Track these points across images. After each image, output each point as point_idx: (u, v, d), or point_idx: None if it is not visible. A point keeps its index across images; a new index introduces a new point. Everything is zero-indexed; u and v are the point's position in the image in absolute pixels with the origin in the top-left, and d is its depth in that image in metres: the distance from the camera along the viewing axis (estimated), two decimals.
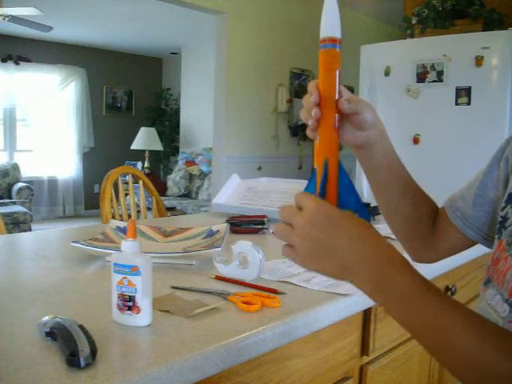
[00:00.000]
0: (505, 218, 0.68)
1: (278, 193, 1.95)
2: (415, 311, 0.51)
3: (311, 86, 0.63)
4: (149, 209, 3.05)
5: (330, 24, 0.62)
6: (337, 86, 0.62)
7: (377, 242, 0.55)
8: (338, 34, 0.62)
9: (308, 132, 0.64)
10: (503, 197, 0.71)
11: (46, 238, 1.63)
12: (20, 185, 6.04)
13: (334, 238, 0.54)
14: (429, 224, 0.83)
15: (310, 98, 0.62)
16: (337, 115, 0.62)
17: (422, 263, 0.87)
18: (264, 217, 1.66)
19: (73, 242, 1.18)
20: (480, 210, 0.77)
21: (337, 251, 0.54)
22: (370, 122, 0.68)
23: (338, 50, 0.62)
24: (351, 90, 5.60)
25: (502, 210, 0.69)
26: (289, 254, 0.57)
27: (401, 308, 0.53)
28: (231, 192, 2.03)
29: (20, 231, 5.24)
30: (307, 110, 0.63)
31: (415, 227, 0.82)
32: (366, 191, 3.42)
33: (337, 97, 0.63)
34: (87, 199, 7.42)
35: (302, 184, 2.04)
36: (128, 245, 0.79)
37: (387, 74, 3.45)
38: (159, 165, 7.84)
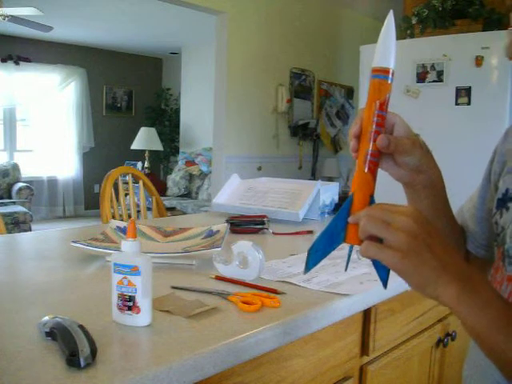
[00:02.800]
0: (497, 225, 0.71)
1: (278, 193, 1.95)
2: (502, 318, 0.53)
3: (358, 115, 0.63)
4: (149, 209, 3.05)
5: (387, 53, 0.61)
6: (374, 119, 0.61)
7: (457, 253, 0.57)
8: (391, 65, 0.60)
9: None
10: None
11: (46, 238, 1.63)
12: (20, 185, 6.04)
13: (434, 237, 0.54)
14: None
15: (352, 128, 0.62)
16: (370, 149, 0.61)
17: None
18: (264, 217, 1.66)
19: (73, 241, 1.18)
20: (483, 225, 0.79)
21: (435, 249, 0.54)
22: (414, 165, 0.67)
23: (389, 82, 0.61)
24: (351, 90, 5.60)
25: (493, 216, 0.72)
26: (379, 250, 0.54)
27: (486, 314, 0.53)
28: (231, 192, 2.03)
29: (20, 231, 5.24)
30: (349, 139, 0.64)
31: None
32: None
33: (374, 129, 0.61)
34: (87, 199, 7.42)
35: (302, 184, 2.04)
36: (128, 245, 0.79)
37: None
38: (159, 165, 7.84)
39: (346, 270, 0.64)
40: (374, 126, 0.61)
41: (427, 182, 0.69)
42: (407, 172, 0.67)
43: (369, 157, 0.61)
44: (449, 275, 0.53)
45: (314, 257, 0.59)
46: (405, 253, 0.53)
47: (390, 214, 0.54)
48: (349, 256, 0.62)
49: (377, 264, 0.57)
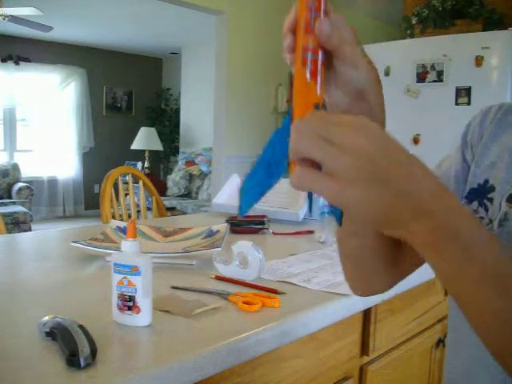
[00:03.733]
0: (476, 214, 0.60)
1: (278, 193, 1.95)
2: (487, 254, 0.40)
3: (294, 6, 0.47)
4: (149, 209, 3.05)
5: None
6: (310, 3, 0.46)
7: (432, 174, 0.42)
8: None
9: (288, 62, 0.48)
10: (462, 192, 0.64)
11: (46, 238, 1.63)
12: (20, 185, 6.04)
13: (393, 159, 0.40)
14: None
15: (286, 21, 0.48)
16: (310, 44, 0.46)
17: (368, 295, 0.71)
18: (264, 217, 1.66)
19: (73, 242, 1.18)
20: None
21: (398, 175, 0.39)
22: (357, 85, 0.48)
23: None
24: None
25: (468, 204, 0.61)
26: (315, 179, 0.39)
27: (480, 266, 0.40)
28: (231, 192, 2.03)
29: (20, 231, 5.24)
30: (283, 36, 0.48)
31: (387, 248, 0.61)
32: None
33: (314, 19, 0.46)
34: (87, 199, 7.42)
35: None
36: (128, 245, 0.79)
37: (387, 73, 3.45)
38: (159, 165, 7.84)
39: (309, 211, 0.58)
40: (311, 13, 0.46)
41: (368, 114, 0.48)
42: (345, 96, 0.49)
43: (309, 55, 0.45)
44: (418, 212, 0.39)
45: (249, 194, 0.45)
46: (350, 181, 0.38)
47: (331, 128, 0.39)
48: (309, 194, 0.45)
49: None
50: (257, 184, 0.45)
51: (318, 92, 0.45)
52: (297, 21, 0.47)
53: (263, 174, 0.45)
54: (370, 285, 0.67)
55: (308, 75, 0.45)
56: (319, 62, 0.46)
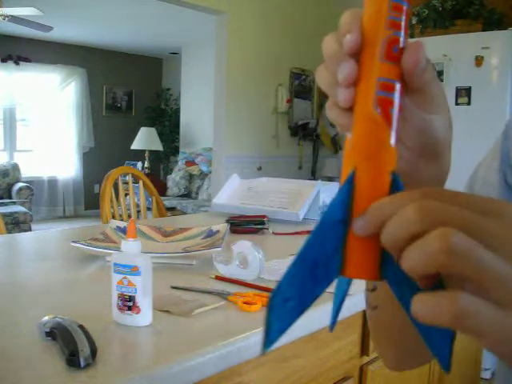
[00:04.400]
0: None
1: (278, 193, 1.95)
2: None
3: (346, 17, 0.32)
4: (149, 209, 3.05)
5: None
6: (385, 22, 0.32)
7: None
8: None
9: (332, 115, 0.35)
10: None
11: (46, 238, 1.63)
12: (20, 185, 6.04)
13: None
14: None
15: (335, 41, 0.32)
16: (385, 78, 0.31)
17: (403, 369, 0.66)
18: (264, 217, 1.66)
19: (73, 242, 1.18)
20: None
21: None
22: (430, 137, 0.36)
23: None
24: None
25: None
26: (484, 309, 0.25)
27: None
28: (231, 192, 2.03)
29: (20, 231, 5.24)
30: (330, 69, 0.33)
31: None
32: None
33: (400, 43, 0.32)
34: (87, 199, 7.42)
35: (302, 184, 2.04)
36: (128, 245, 0.79)
37: None
38: (159, 165, 7.84)
39: (331, 330, 0.38)
40: (393, 32, 0.32)
41: (435, 180, 0.39)
42: (409, 152, 0.37)
43: (386, 93, 0.31)
44: None
45: (283, 313, 0.30)
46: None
47: (479, 221, 0.25)
48: (341, 301, 0.35)
49: (431, 332, 0.29)
50: (295, 295, 0.30)
51: (393, 145, 0.31)
52: (364, 36, 0.32)
53: (305, 280, 0.30)
54: (411, 358, 0.59)
55: (385, 122, 0.31)
56: (396, 105, 0.31)
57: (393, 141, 0.31)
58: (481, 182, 0.57)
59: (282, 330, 0.30)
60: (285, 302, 0.30)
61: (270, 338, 0.30)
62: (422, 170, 0.38)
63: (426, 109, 0.35)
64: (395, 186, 0.30)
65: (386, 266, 0.30)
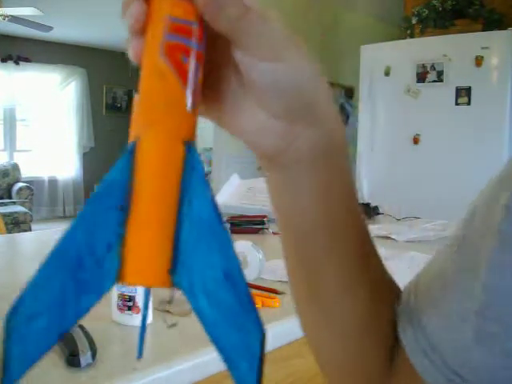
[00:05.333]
0: None
1: None
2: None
3: None
4: None
5: None
6: None
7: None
8: None
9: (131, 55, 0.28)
10: None
11: (46, 238, 1.63)
12: (20, 185, 6.04)
13: None
14: (390, 335, 0.37)
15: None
16: (175, 17, 0.25)
17: None
18: (264, 217, 1.66)
19: None
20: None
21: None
22: (289, 93, 0.28)
23: None
24: (351, 90, 5.61)
25: None
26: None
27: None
28: (231, 192, 2.03)
29: (20, 231, 5.24)
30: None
31: (368, 342, 0.38)
32: (366, 191, 3.43)
33: None
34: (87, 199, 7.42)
35: None
36: None
37: (387, 73, 3.45)
38: None
39: (138, 356, 0.26)
40: None
41: (320, 144, 0.30)
42: (273, 120, 0.28)
43: (179, 38, 0.25)
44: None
45: (27, 341, 0.22)
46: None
47: None
48: (143, 324, 0.27)
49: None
50: (45, 311, 0.22)
51: (189, 110, 0.24)
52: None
53: (63, 288, 0.23)
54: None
55: (176, 76, 0.24)
56: (193, 53, 0.24)
57: (189, 101, 0.24)
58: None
59: (30, 360, 0.21)
60: (29, 321, 0.21)
61: (9, 373, 0.21)
62: (299, 139, 0.29)
63: (262, 56, 0.26)
64: (190, 161, 0.24)
65: (179, 269, 0.24)
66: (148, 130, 0.25)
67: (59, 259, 0.23)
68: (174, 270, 0.24)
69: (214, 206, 0.23)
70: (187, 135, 0.25)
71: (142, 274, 0.24)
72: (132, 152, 0.25)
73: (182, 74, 0.24)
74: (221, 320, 0.23)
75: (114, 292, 0.79)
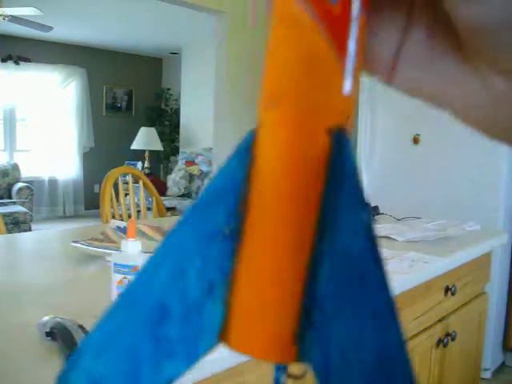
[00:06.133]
0: None
1: None
2: None
3: None
4: (149, 209, 3.05)
5: None
6: None
7: None
8: None
9: None
10: None
11: (46, 238, 1.63)
12: (20, 185, 6.04)
13: None
14: None
15: None
16: None
17: None
18: None
19: (73, 242, 1.18)
20: None
21: None
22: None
23: None
24: None
25: None
26: None
27: None
28: None
29: (20, 231, 5.24)
30: None
31: None
32: (366, 190, 3.42)
33: None
34: (87, 199, 7.42)
35: None
36: (128, 245, 0.79)
37: None
38: (159, 165, 7.84)
39: None
40: None
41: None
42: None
43: None
44: None
45: None
46: None
47: None
48: None
49: None
50: (113, 376, 0.17)
51: (348, 88, 0.16)
52: None
53: (139, 348, 0.17)
54: None
55: (319, 26, 0.16)
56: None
57: (348, 75, 0.16)
58: None
59: None
60: None
61: None
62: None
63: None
64: (338, 162, 0.15)
65: (309, 336, 0.16)
66: (273, 112, 0.16)
67: (132, 306, 0.16)
68: (302, 338, 0.16)
69: (371, 238, 0.15)
70: (335, 120, 0.16)
71: (256, 338, 0.16)
72: (249, 148, 0.16)
73: (329, 22, 0.15)
74: None
75: (114, 292, 0.78)
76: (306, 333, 0.16)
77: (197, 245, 0.16)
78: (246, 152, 0.16)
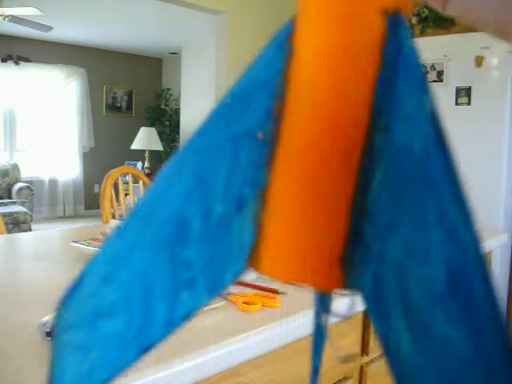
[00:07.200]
0: None
1: None
2: None
3: None
4: None
5: None
6: None
7: None
8: None
9: None
10: None
11: (46, 238, 1.63)
12: (20, 185, 6.04)
13: None
14: None
15: None
16: None
17: None
18: None
19: (73, 242, 1.18)
20: None
21: None
22: None
23: None
24: None
25: None
26: None
27: None
28: None
29: (20, 231, 5.24)
30: None
31: None
32: None
33: None
34: (87, 199, 7.42)
35: None
36: None
37: None
38: (159, 165, 7.84)
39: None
40: None
41: None
42: None
43: None
44: None
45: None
46: None
47: None
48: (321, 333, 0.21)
49: None
50: (119, 311, 0.14)
51: None
52: None
53: (150, 277, 0.13)
54: None
55: None
56: None
57: None
58: None
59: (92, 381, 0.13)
60: (95, 321, 0.14)
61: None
62: None
63: None
64: (395, 49, 0.12)
65: (359, 257, 0.13)
66: None
67: (145, 223, 0.13)
68: (351, 259, 0.13)
69: (436, 130, 0.12)
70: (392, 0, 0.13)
71: (295, 262, 0.13)
72: (288, 37, 0.14)
73: None
74: (436, 373, 0.11)
75: None
76: (355, 254, 0.12)
77: (223, 150, 0.13)
78: (285, 42, 0.13)
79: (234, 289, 0.98)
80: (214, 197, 0.12)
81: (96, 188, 7.40)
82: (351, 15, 0.12)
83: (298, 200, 0.12)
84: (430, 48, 3.27)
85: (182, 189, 0.13)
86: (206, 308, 0.86)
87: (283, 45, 0.13)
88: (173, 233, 0.12)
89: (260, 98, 0.13)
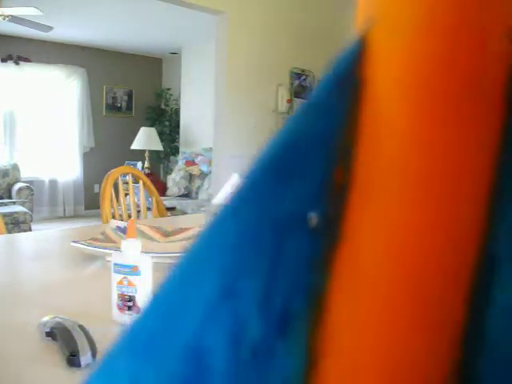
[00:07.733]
0: None
1: None
2: None
3: None
4: (149, 209, 3.05)
5: None
6: None
7: None
8: None
9: None
10: None
11: (46, 238, 1.63)
12: (20, 185, 6.04)
13: None
14: None
15: None
16: None
17: None
18: None
19: (73, 242, 1.18)
20: None
21: None
22: None
23: None
24: None
25: None
26: None
27: None
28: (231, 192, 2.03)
29: (20, 231, 5.24)
30: None
31: None
32: None
33: None
34: (87, 199, 7.42)
35: None
36: (128, 245, 0.79)
37: None
38: (159, 165, 7.84)
39: None
40: None
41: None
42: None
43: None
44: None
45: None
46: None
47: None
48: None
49: None
50: None
51: None
52: None
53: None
54: None
55: None
56: None
57: None
58: None
59: None
60: None
61: None
62: None
63: None
64: None
65: None
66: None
67: (145, 355, 0.10)
68: None
69: None
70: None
71: None
72: (352, 71, 0.10)
73: None
74: None
75: (114, 292, 0.78)
76: None
77: (258, 244, 0.09)
78: (348, 78, 0.09)
79: None
80: (245, 315, 0.08)
81: (96, 188, 7.40)
82: (458, 38, 0.08)
83: (376, 321, 0.08)
84: None
85: (199, 306, 0.09)
86: None
87: (349, 77, 0.09)
88: (185, 374, 0.08)
89: (314, 165, 0.08)
